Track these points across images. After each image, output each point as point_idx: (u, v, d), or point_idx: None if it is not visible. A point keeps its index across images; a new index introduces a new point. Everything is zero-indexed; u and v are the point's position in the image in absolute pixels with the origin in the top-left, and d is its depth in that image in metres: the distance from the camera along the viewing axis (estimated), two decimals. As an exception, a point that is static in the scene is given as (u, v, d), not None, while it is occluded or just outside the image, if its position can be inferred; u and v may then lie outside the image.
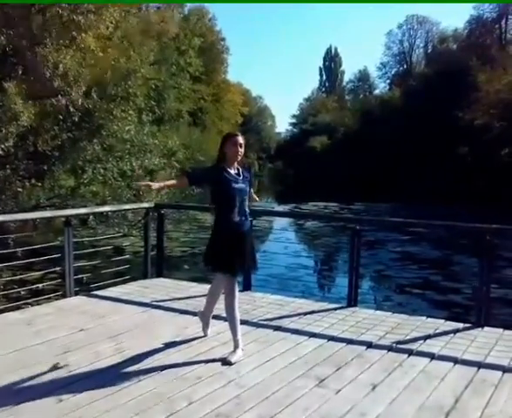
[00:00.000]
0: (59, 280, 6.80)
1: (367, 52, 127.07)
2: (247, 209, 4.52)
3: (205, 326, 4.98)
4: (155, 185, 4.69)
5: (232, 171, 4.42)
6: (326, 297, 9.96)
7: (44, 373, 4.10)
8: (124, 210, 9.42)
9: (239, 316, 4.55)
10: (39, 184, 13.72)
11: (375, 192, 33.55)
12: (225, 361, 4.32)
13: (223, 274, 4.48)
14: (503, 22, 47.27)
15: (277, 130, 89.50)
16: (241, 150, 4.42)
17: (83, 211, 7.82)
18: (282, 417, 3.41)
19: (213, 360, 4.43)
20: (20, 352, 4.56)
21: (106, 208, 7.12)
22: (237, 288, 4.54)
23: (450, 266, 13.90)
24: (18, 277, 7.23)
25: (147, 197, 13.16)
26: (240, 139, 4.42)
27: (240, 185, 4.41)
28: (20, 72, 12.42)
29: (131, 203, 11.67)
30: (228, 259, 4.39)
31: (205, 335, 4.96)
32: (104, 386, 3.88)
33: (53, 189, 14.78)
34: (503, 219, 5.76)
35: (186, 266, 12.50)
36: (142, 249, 7.59)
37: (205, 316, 4.94)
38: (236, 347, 4.47)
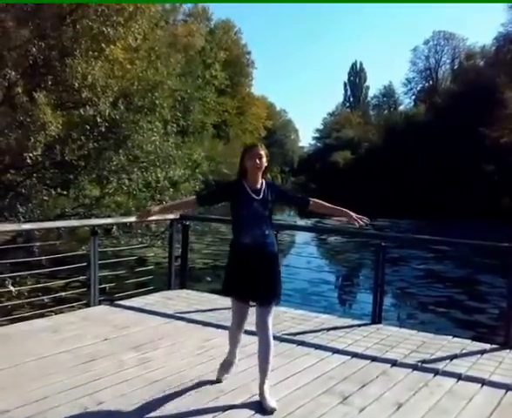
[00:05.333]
0: (83, 289, 6.87)
1: (392, 68, 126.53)
2: (268, 231, 3.91)
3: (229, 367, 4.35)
4: (154, 209, 4.30)
5: (253, 187, 3.90)
6: (348, 313, 9.88)
7: (70, 381, 4.12)
8: (150, 221, 9.47)
9: (239, 340, 4.25)
10: (64, 193, 13.91)
11: (399, 208, 33.26)
12: (267, 410, 3.72)
13: (231, 300, 4.05)
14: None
15: (300, 144, 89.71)
16: (261, 162, 3.89)
17: (109, 221, 7.89)
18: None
19: (237, 374, 4.41)
20: (46, 359, 4.60)
21: (132, 219, 7.14)
22: (239, 318, 4.06)
23: (475, 285, 13.72)
24: (43, 285, 7.31)
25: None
26: (260, 150, 3.91)
27: (256, 204, 3.86)
28: (50, 83, 12.64)
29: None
30: (232, 282, 3.95)
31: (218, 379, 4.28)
32: (128, 396, 3.90)
33: (78, 198, 14.98)
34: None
35: (208, 278, 12.50)
36: (165, 260, 7.63)
37: (227, 357, 4.35)
38: (261, 390, 3.90)
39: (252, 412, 3.70)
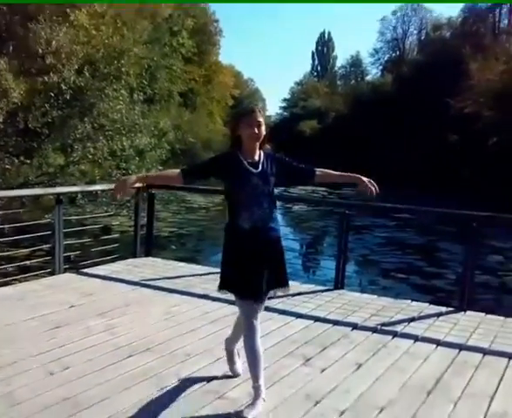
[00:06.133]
0: (47, 258, 6.86)
1: (360, 38, 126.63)
2: (270, 210, 3.35)
3: (229, 359, 3.83)
4: (131, 180, 3.41)
5: (249, 160, 3.33)
6: (312, 279, 10.09)
7: (37, 347, 4.16)
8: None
9: (259, 351, 3.33)
10: (28, 161, 13.69)
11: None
12: (240, 416, 3.21)
13: (235, 297, 3.40)
14: (497, 11, 47.32)
15: (267, 113, 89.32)
16: (260, 130, 3.30)
17: (74, 189, 7.84)
18: (269, 394, 3.49)
19: (202, 339, 4.51)
20: (12, 326, 4.63)
21: (98, 187, 7.08)
22: (254, 317, 3.33)
23: (434, 252, 14.11)
24: (6, 254, 7.24)
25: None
26: (258, 116, 3.29)
27: (256, 179, 3.29)
28: (11, 48, 12.34)
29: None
30: (236, 278, 3.33)
31: (234, 374, 3.79)
32: (94, 361, 3.96)
33: (41, 167, 14.73)
34: (486, 208, 5.88)
35: (174, 247, 12.60)
36: (130, 229, 7.62)
37: (228, 346, 3.81)
38: (256, 396, 3.31)
39: (219, 374, 3.80)
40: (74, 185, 12.01)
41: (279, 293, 3.54)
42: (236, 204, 3.31)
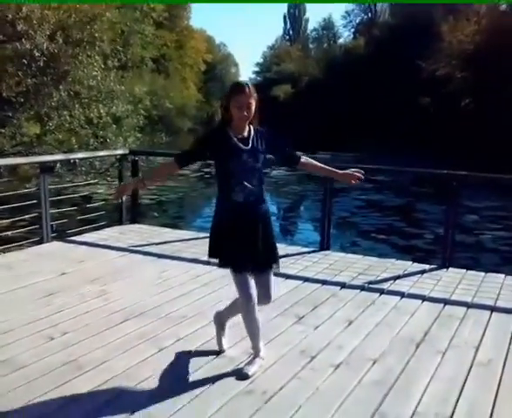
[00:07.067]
0: (30, 228, 6.82)
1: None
2: (259, 186, 3.39)
3: (218, 331, 3.76)
4: (130, 185, 3.81)
5: (239, 136, 3.34)
6: (296, 242, 10.23)
7: (32, 314, 4.21)
8: (99, 156, 9.36)
9: (258, 322, 3.45)
10: (3, 130, 13.47)
11: (340, 141, 33.78)
12: (241, 374, 3.37)
13: (230, 271, 3.41)
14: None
15: (241, 78, 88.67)
16: (249, 111, 3.29)
17: (57, 157, 7.77)
18: (266, 351, 3.61)
19: (195, 301, 4.60)
20: (3, 295, 4.66)
21: (80, 155, 7.05)
22: (252, 289, 3.36)
23: (412, 212, 14.37)
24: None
25: (116, 145, 13.06)
26: (249, 98, 3.27)
27: (246, 155, 3.32)
28: (-20, 15, 12.04)
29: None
30: (229, 251, 3.36)
31: (220, 349, 3.72)
32: (91, 326, 4.03)
33: (15, 137, 14.49)
34: (460, 169, 6.02)
35: (156, 214, 12.59)
36: (111, 197, 7.58)
37: (220, 318, 3.76)
38: (255, 355, 3.51)
39: (215, 334, 3.88)
40: (51, 154, 11.85)
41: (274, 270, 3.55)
42: (228, 179, 3.33)
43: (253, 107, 3.31)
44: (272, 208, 15.02)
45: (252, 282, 3.38)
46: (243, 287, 3.35)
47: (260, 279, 3.43)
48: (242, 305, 3.40)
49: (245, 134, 3.36)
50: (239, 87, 3.32)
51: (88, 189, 10.08)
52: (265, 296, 3.47)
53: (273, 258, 3.48)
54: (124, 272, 5.39)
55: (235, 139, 3.32)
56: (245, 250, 3.34)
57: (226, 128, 3.35)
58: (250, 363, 3.46)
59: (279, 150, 3.56)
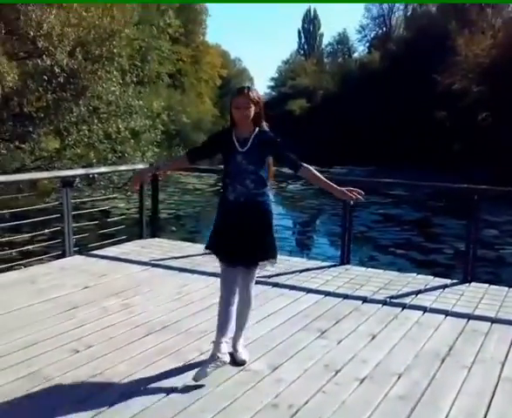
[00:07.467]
0: (52, 242, 6.91)
1: (346, 15, 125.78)
2: (253, 187, 3.47)
3: (217, 339, 3.57)
4: (146, 170, 4.26)
5: (241, 138, 3.49)
6: (314, 256, 10.20)
7: (56, 328, 4.24)
8: (119, 171, 9.43)
9: (228, 317, 3.56)
10: (23, 146, 13.64)
11: (355, 156, 33.77)
12: (237, 361, 3.65)
13: (219, 265, 3.66)
14: (482, -15, 47.25)
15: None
16: (247, 112, 3.43)
17: (79, 172, 7.85)
18: (289, 365, 3.61)
19: (215, 316, 4.58)
20: (27, 309, 4.68)
21: (102, 169, 7.15)
22: (228, 285, 3.59)
23: (431, 227, 14.31)
24: (9, 239, 7.25)
25: (134, 160, 13.17)
26: (245, 100, 3.43)
27: (240, 157, 3.45)
28: (3, 32, 12.22)
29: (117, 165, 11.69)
30: (218, 241, 3.62)
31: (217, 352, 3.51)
32: (115, 339, 4.05)
33: (34, 152, 14.66)
34: (480, 183, 6.00)
35: (174, 228, 12.65)
36: (128, 211, 7.66)
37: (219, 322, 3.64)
38: (214, 351, 3.51)
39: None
40: (71, 168, 11.99)
41: (269, 267, 3.76)
42: (225, 177, 3.55)
43: (252, 109, 3.46)
44: (289, 222, 15.05)
45: (234, 278, 3.58)
46: (221, 281, 3.65)
47: (243, 277, 3.62)
48: (220, 292, 3.64)
49: (246, 136, 3.50)
50: (238, 90, 3.56)
51: (107, 203, 10.17)
52: (243, 290, 3.66)
53: (264, 256, 3.61)
54: (146, 285, 5.41)
55: (235, 140, 3.49)
56: (229, 244, 3.53)
57: (232, 129, 3.53)
58: (238, 351, 3.71)
59: (280, 155, 3.59)
